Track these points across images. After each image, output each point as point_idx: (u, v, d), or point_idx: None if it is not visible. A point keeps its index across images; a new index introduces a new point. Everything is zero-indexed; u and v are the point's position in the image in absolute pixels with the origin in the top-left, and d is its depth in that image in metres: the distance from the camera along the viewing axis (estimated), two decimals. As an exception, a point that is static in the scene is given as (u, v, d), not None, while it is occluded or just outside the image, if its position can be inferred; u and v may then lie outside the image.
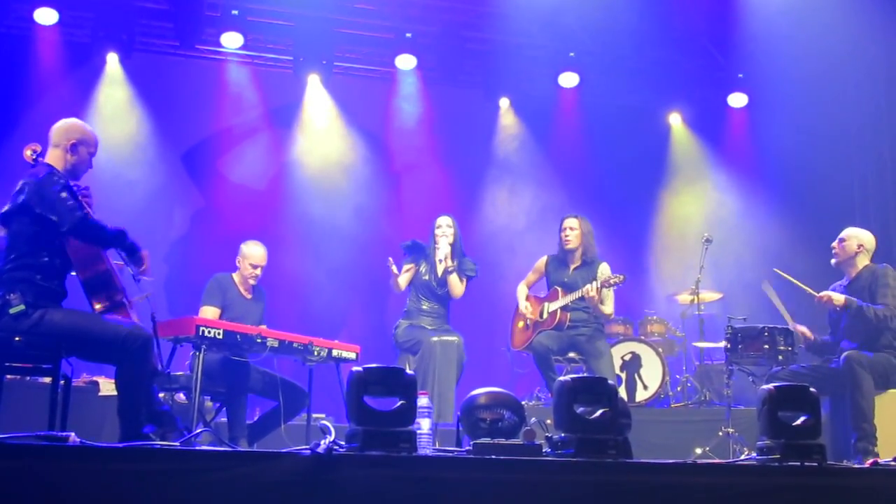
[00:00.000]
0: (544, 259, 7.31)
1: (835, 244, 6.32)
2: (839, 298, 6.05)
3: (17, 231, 4.33)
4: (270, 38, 9.01)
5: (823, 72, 8.91)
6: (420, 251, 7.02)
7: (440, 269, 6.98)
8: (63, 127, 4.56)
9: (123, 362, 4.30)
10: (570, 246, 7.06)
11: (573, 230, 7.06)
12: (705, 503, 3.48)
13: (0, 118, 8.11)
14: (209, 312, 6.24)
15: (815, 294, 6.25)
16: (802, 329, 6.36)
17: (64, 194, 4.30)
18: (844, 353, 5.87)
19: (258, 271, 6.47)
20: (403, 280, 7.00)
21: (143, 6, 8.59)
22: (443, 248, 6.95)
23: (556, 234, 7.22)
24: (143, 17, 8.64)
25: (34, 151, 4.55)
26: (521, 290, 7.32)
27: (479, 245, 8.36)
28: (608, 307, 7.00)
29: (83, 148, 4.53)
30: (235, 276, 6.50)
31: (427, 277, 6.94)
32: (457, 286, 6.98)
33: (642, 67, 9.12)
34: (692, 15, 8.71)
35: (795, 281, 6.46)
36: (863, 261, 6.23)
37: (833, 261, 6.33)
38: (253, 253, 6.47)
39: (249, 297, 6.51)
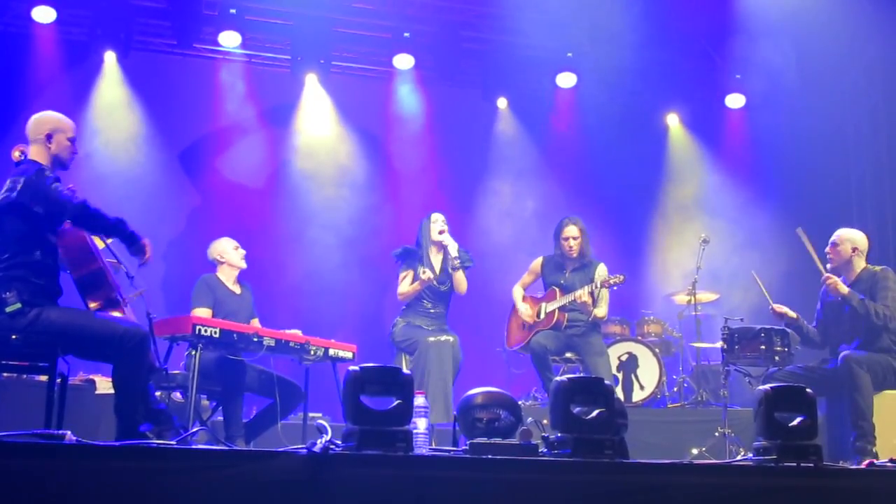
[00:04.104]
0: (539, 260, 7.31)
1: (828, 249, 6.30)
2: (844, 289, 6.04)
3: (9, 230, 4.32)
4: (268, 38, 9.00)
5: (821, 73, 8.93)
6: (413, 256, 6.98)
7: (438, 266, 6.95)
8: (34, 121, 4.55)
9: (120, 360, 4.30)
10: (574, 254, 7.07)
11: (575, 239, 7.05)
12: (701, 503, 3.49)
13: (-3, 116, 8.11)
14: (202, 314, 6.22)
15: (824, 272, 6.23)
16: (783, 309, 6.32)
17: (57, 185, 4.34)
18: (843, 353, 5.86)
19: (242, 251, 6.51)
20: (412, 290, 6.93)
21: (140, 5, 8.58)
22: (452, 245, 6.90)
23: (553, 235, 7.22)
24: (140, 15, 8.64)
25: (22, 153, 4.56)
26: (517, 293, 7.32)
27: (476, 244, 8.34)
28: (602, 309, 7.01)
29: (59, 135, 4.52)
30: (220, 275, 6.49)
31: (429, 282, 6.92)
32: (464, 281, 6.95)
33: (640, 68, 9.11)
34: (690, 16, 8.71)
35: (812, 250, 6.42)
36: (859, 263, 6.22)
37: (828, 266, 6.32)
38: (226, 242, 6.51)
39: (239, 291, 6.51)
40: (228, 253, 6.48)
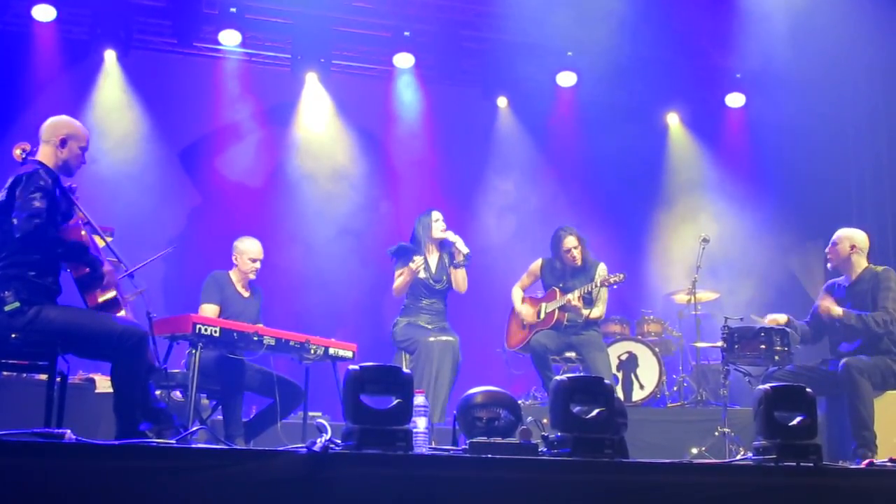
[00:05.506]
0: (539, 262, 7.31)
1: (828, 249, 6.30)
2: (837, 311, 6.04)
3: (8, 229, 4.31)
4: (268, 36, 9.00)
5: (821, 72, 8.92)
6: (408, 253, 6.95)
7: (434, 264, 6.94)
8: (52, 123, 4.55)
9: (119, 359, 4.30)
10: (578, 263, 7.06)
11: (576, 248, 7.04)
12: (701, 503, 3.49)
13: (-3, 115, 8.12)
14: (209, 310, 6.24)
15: (816, 302, 6.25)
16: (773, 319, 6.29)
17: (37, 196, 4.23)
18: (843, 360, 5.83)
19: (257, 265, 6.48)
20: (402, 282, 6.93)
21: (141, 3, 8.58)
22: (460, 241, 6.89)
23: (550, 247, 7.19)
24: (140, 14, 8.64)
25: (23, 151, 4.55)
26: (517, 294, 7.32)
27: (476, 243, 8.34)
28: (599, 309, 7.03)
29: (73, 143, 4.53)
30: (233, 274, 6.50)
31: (423, 275, 6.90)
32: (464, 280, 6.95)
33: (640, 67, 9.12)
34: (690, 15, 8.70)
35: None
36: (860, 261, 6.21)
37: (829, 266, 6.33)
38: (249, 248, 6.48)
39: (247, 294, 6.50)
40: (242, 260, 6.47)
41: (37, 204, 4.22)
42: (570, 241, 7.06)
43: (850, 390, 5.72)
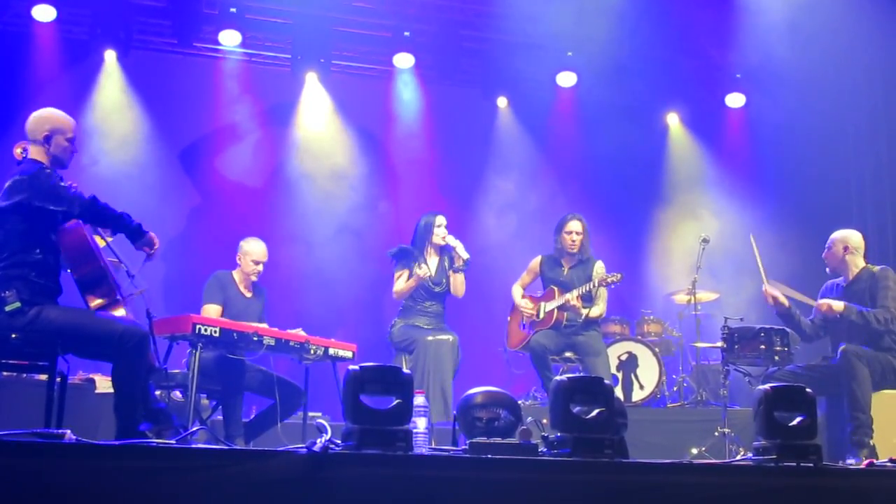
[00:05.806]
0: (538, 259, 7.32)
1: (824, 253, 6.32)
2: (838, 306, 6.03)
3: (9, 229, 4.32)
4: (268, 36, 9.01)
5: (821, 72, 8.92)
6: (409, 255, 6.93)
7: (434, 267, 6.93)
8: (34, 120, 4.53)
9: (119, 359, 4.30)
10: (575, 250, 7.07)
11: (578, 234, 7.06)
12: (701, 503, 3.49)
13: (-2, 115, 8.11)
14: (211, 310, 6.23)
15: (814, 302, 6.24)
16: (775, 293, 6.31)
17: (62, 183, 4.36)
18: (842, 347, 5.84)
19: (260, 267, 6.47)
20: (407, 287, 6.90)
21: (141, 4, 8.58)
22: (461, 245, 6.87)
23: (554, 230, 7.21)
24: (140, 14, 8.64)
25: (24, 150, 4.55)
26: (517, 292, 7.33)
27: (476, 243, 8.34)
28: (599, 307, 7.03)
29: (58, 136, 4.50)
30: (236, 274, 6.49)
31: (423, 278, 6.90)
32: (463, 284, 6.93)
33: (640, 67, 9.11)
34: (690, 15, 8.71)
35: (796, 294, 6.43)
36: (856, 261, 6.22)
37: (827, 270, 6.34)
38: (254, 249, 6.47)
39: (249, 295, 6.50)
40: (245, 261, 6.46)
41: (70, 189, 4.38)
42: (574, 226, 7.07)
43: (847, 374, 5.72)
